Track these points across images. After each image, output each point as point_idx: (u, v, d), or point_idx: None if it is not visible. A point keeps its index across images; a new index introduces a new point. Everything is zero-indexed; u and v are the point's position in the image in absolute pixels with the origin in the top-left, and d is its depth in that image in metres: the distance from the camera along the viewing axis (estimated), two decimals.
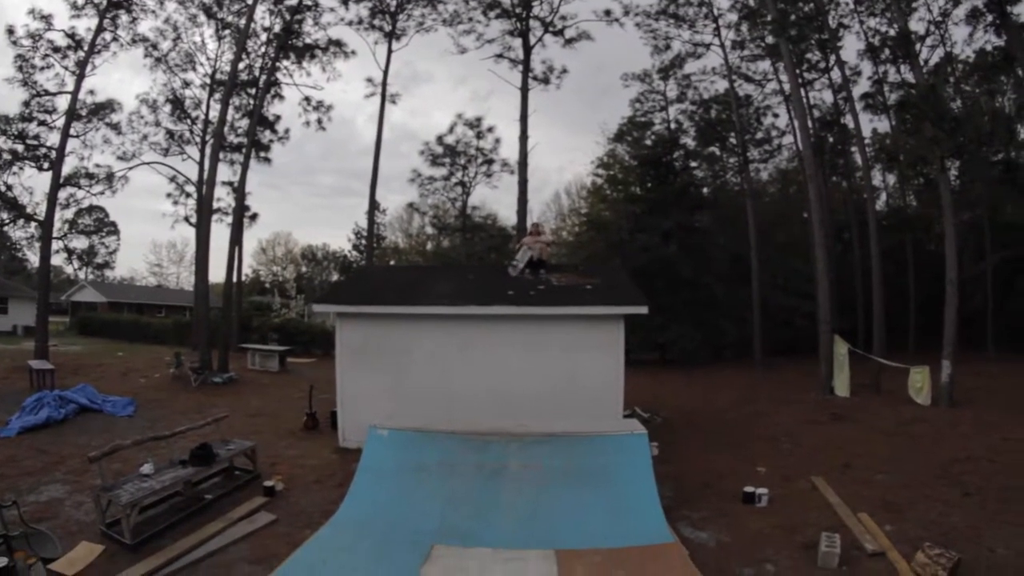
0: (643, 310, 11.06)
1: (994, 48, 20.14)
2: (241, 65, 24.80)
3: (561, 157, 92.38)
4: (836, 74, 27.60)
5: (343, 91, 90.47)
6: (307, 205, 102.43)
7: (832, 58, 26.51)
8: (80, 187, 24.25)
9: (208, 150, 25.35)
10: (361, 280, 15.50)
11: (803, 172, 22.22)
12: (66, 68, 22.25)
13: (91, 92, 24.18)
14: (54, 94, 22.44)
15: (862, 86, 26.99)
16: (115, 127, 25.15)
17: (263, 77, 25.58)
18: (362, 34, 28.50)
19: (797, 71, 23.02)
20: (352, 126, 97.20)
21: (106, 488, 6.94)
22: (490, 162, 33.32)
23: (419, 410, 10.20)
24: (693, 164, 33.40)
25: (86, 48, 22.13)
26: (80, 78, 22.10)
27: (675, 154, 31.59)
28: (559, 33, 28.03)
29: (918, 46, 20.83)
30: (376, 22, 28.06)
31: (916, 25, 22.60)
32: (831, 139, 29.29)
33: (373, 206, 29.68)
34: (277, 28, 25.25)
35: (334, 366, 11.66)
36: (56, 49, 22.09)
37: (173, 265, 69.12)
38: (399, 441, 8.12)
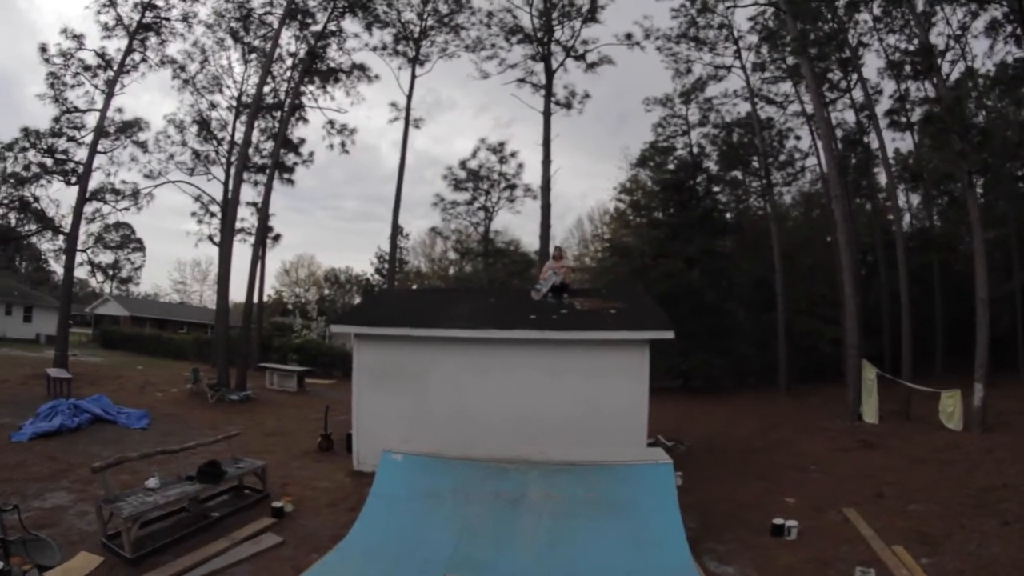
0: (669, 335, 10.64)
1: (1015, 60, 19.80)
2: (266, 88, 25.28)
3: (583, 183, 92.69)
4: (858, 93, 27.12)
5: (368, 117, 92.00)
6: (331, 228, 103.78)
7: (854, 77, 26.06)
8: (106, 202, 24.69)
9: (233, 171, 25.59)
10: (380, 302, 15.39)
11: (828, 193, 21.75)
12: (96, 87, 22.83)
13: (119, 110, 25.04)
14: (84, 111, 23.01)
15: (884, 104, 26.48)
16: (142, 145, 25.61)
17: (288, 100, 26.02)
18: (386, 59, 28.91)
19: (820, 89, 22.53)
20: (376, 152, 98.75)
21: (109, 500, 6.75)
22: (513, 187, 33.35)
23: (436, 435, 9.93)
24: (716, 188, 33.04)
25: (115, 68, 22.69)
26: (109, 97, 22.60)
27: (698, 179, 31.30)
28: (581, 58, 28.11)
29: (939, 60, 20.42)
30: (400, 48, 28.41)
31: (935, 39, 22.06)
32: (854, 160, 28.79)
33: (396, 230, 29.69)
34: (302, 53, 25.69)
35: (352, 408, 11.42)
36: (87, 68, 22.67)
37: (196, 283, 70.01)
38: (413, 466, 7.81)
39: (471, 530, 6.82)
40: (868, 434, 14.70)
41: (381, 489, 7.61)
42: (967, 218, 27.65)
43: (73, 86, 22.66)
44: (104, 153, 23.87)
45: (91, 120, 22.86)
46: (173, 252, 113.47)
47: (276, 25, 24.05)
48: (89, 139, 22.55)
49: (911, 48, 22.99)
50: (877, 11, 23.92)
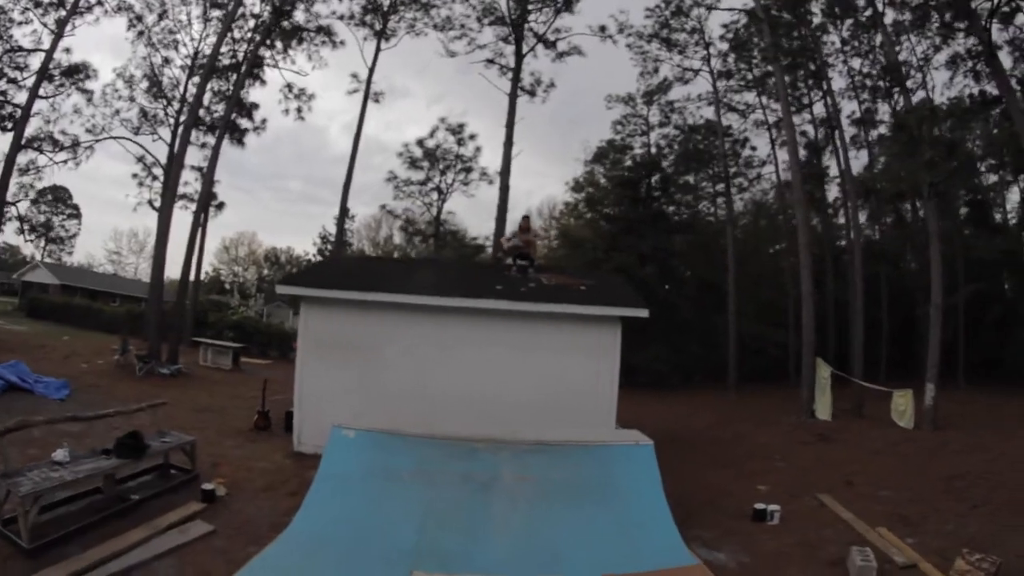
0: (643, 313, 10.11)
1: (973, 93, 20.30)
2: (224, 48, 23.38)
3: (531, 181, 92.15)
4: (819, 108, 27.74)
5: (321, 98, 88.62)
6: (275, 210, 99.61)
7: (817, 93, 26.51)
8: (43, 151, 22.49)
9: (180, 131, 23.55)
10: (332, 266, 14.09)
11: (785, 198, 21.96)
12: (45, 25, 20.70)
13: (67, 50, 22.37)
14: (29, 51, 20.88)
15: (843, 123, 27.12)
16: (88, 94, 23.38)
17: (247, 59, 24.15)
18: (352, 29, 27.25)
19: (788, 97, 22.59)
20: (325, 134, 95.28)
21: (6, 475, 5.48)
22: (468, 170, 32.04)
23: (391, 413, 8.78)
24: (672, 189, 32.95)
25: (68, 6, 20.56)
26: (58, 37, 20.49)
27: (654, 178, 31.06)
28: (552, 45, 27.27)
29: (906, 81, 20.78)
30: (367, 19, 26.94)
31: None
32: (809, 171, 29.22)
33: (345, 208, 27.95)
34: (266, 15, 23.97)
35: (291, 369, 10.25)
36: (37, 4, 20.53)
37: (133, 255, 65.52)
38: (368, 443, 6.79)
39: (437, 516, 5.88)
40: (823, 429, 14.74)
41: (330, 469, 6.56)
42: (912, 235, 29.05)
43: (20, 23, 20.56)
44: (46, 98, 21.73)
45: (35, 63, 20.76)
46: (109, 222, 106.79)
47: None
48: (31, 82, 20.35)
49: (874, 72, 23.63)
50: (846, 33, 24.39)
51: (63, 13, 20.56)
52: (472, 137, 31.97)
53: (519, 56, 26.80)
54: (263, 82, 25.85)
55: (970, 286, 23.37)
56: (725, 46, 28.81)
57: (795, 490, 9.14)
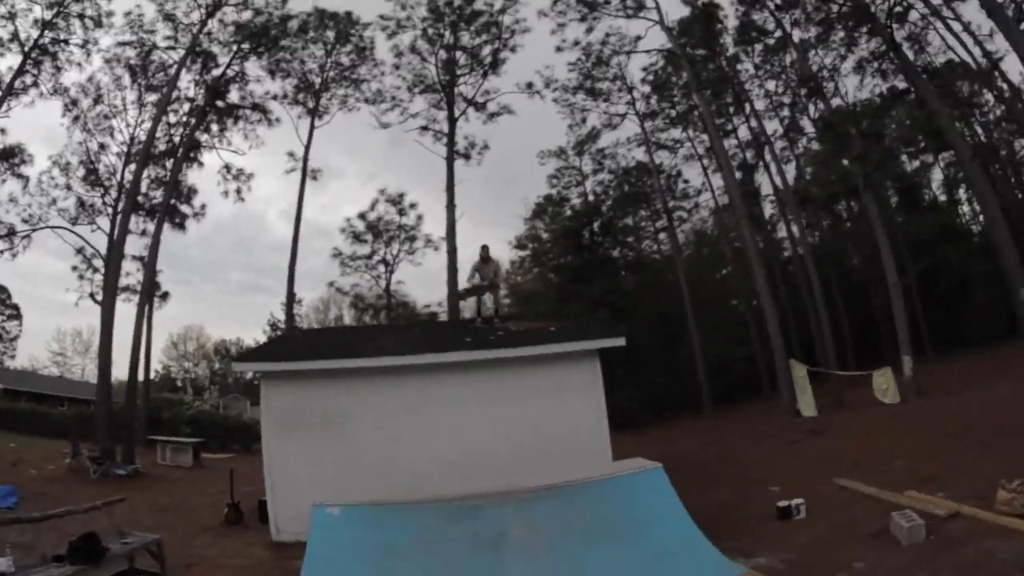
0: (620, 342, 9.82)
1: (883, 91, 21.69)
2: (160, 133, 22.85)
3: (471, 247, 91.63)
4: (743, 132, 28.91)
5: (257, 184, 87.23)
6: (219, 302, 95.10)
7: (739, 118, 27.67)
8: None
9: (119, 219, 22.45)
10: (289, 340, 13.23)
11: (724, 218, 22.51)
12: None
13: (2, 131, 21.54)
14: None
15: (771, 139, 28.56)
16: (23, 180, 22.22)
17: (184, 141, 23.54)
18: (286, 108, 27.02)
19: (715, 123, 23.44)
20: (263, 221, 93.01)
21: None
22: (412, 239, 31.51)
23: (372, 486, 8.04)
24: (615, 232, 33.40)
25: (3, 87, 19.80)
26: None
27: (594, 224, 31.43)
28: (482, 107, 27.57)
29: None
30: (300, 98, 26.79)
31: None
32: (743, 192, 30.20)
33: (292, 291, 26.50)
34: (200, 100, 23.63)
35: (256, 461, 9.32)
36: None
37: (78, 356, 60.57)
38: (356, 519, 6.06)
39: None
40: (812, 425, 14.57)
41: (317, 553, 5.74)
42: (851, 232, 30.17)
43: None
44: None
45: None
46: (51, 323, 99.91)
47: (176, 65, 22.12)
48: None
49: (790, 89, 24.93)
50: (758, 59, 25.73)
51: None
52: (412, 206, 31.57)
53: (452, 120, 26.96)
54: (201, 164, 25.20)
55: (917, 264, 24.00)
56: (647, 88, 29.93)
57: (807, 483, 8.83)
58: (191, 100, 24.06)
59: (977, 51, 20.58)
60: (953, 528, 5.75)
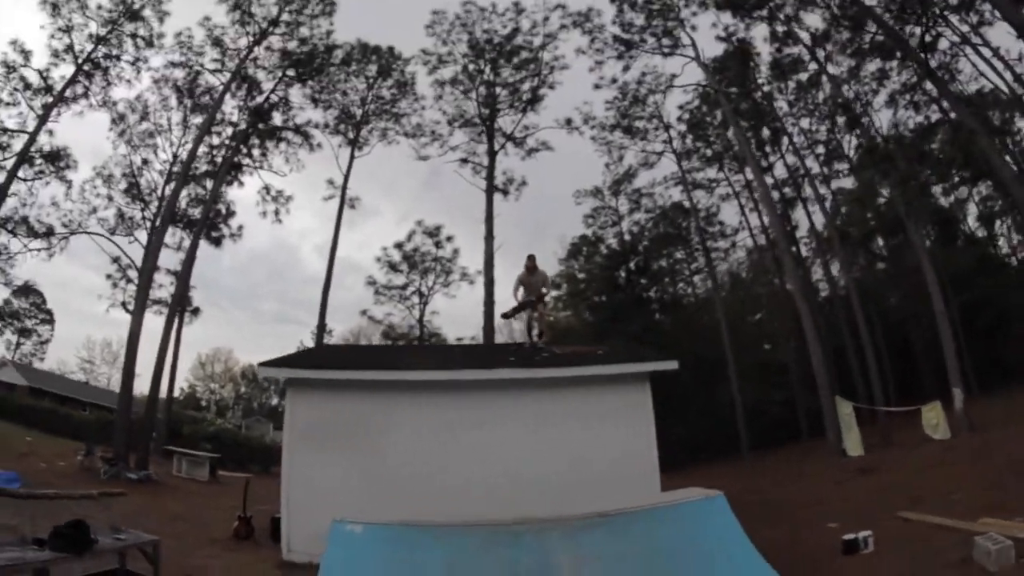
0: (672, 365, 9.13)
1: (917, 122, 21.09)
2: (203, 151, 23.17)
3: (502, 288, 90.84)
4: (779, 170, 28.19)
5: (293, 216, 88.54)
6: (250, 330, 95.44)
7: (775, 155, 27.03)
8: (16, 235, 21.31)
9: (156, 226, 22.53)
10: (322, 350, 12.60)
11: (762, 256, 21.84)
12: (31, 107, 20.47)
13: (50, 133, 21.75)
14: (13, 131, 20.30)
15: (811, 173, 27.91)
16: (67, 184, 22.46)
17: (225, 162, 23.72)
18: (327, 137, 27.24)
19: (754, 154, 22.89)
20: (297, 254, 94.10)
21: None
22: (448, 272, 31.07)
23: (397, 509, 7.28)
24: (652, 271, 32.66)
25: (56, 93, 20.47)
26: (43, 121, 20.24)
27: (631, 264, 30.93)
28: (521, 143, 27.34)
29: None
30: (341, 128, 26.99)
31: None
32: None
33: (324, 310, 25.98)
34: (243, 124, 24.01)
35: (274, 483, 8.73)
36: (27, 86, 20.41)
37: (106, 365, 60.49)
38: (381, 539, 5.25)
39: None
40: (860, 464, 13.68)
41: (333, 572, 4.93)
42: (884, 270, 29.00)
43: (8, 104, 20.27)
44: (24, 181, 20.91)
45: (17, 145, 20.25)
46: (83, 332, 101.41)
47: (222, 88, 22.47)
48: (11, 163, 19.65)
49: (823, 128, 24.40)
50: (791, 96, 25.15)
51: (50, 99, 20.51)
52: (449, 239, 31.19)
53: (492, 153, 26.80)
54: (241, 184, 25.45)
55: (957, 298, 23.04)
56: (683, 127, 29.47)
57: (867, 519, 7.97)
58: (234, 125, 24.43)
59: (1009, 75, 19.80)
60: None
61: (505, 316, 10.89)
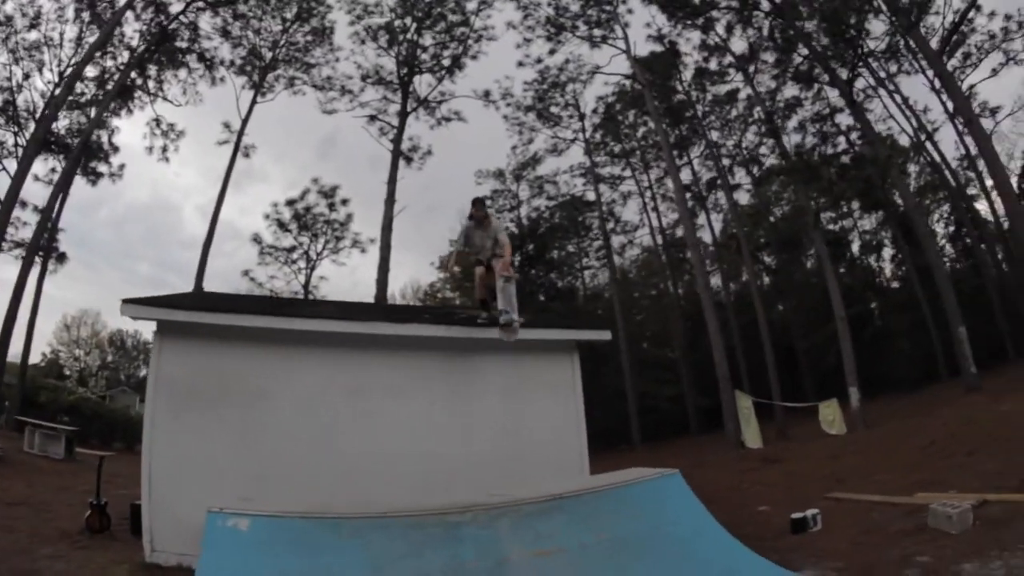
0: (606, 335, 8.45)
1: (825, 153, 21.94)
2: (93, 72, 19.51)
3: (403, 253, 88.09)
4: (686, 176, 28.67)
5: (176, 174, 79.80)
6: (121, 292, 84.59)
7: (686, 158, 27.45)
8: None
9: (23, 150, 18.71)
10: (200, 296, 10.41)
11: (687, 238, 21.99)
12: None
13: None
14: None
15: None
16: None
17: (116, 84, 20.37)
18: (231, 75, 24.19)
19: (672, 151, 22.97)
20: (180, 213, 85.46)
21: None
22: (339, 237, 28.43)
23: (292, 491, 5.80)
24: (548, 258, 32.21)
25: None
26: None
27: (528, 248, 30.20)
28: (434, 110, 25.82)
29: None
30: (248, 68, 24.11)
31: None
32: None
33: (204, 266, 23.16)
34: (142, 48, 20.72)
35: (139, 462, 6.44)
36: None
37: None
38: (277, 540, 3.73)
39: None
40: (762, 455, 13.80)
41: None
42: (773, 281, 30.53)
43: None
44: None
45: None
46: None
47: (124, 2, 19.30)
48: None
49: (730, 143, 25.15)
50: (707, 107, 25.75)
51: None
52: (344, 202, 28.41)
53: (403, 115, 25.00)
54: (130, 111, 22.09)
55: (850, 310, 24.38)
56: (598, 119, 29.49)
57: (798, 501, 7.78)
58: (132, 49, 21.06)
59: (914, 120, 21.65)
60: (991, 512, 5.57)
61: (446, 267, 9.26)
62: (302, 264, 28.10)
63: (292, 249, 27.88)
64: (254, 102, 24.11)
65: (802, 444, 14.18)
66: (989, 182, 21.92)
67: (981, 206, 25.90)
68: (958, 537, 5.26)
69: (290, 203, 27.71)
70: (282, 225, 27.66)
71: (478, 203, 7.11)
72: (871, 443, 11.74)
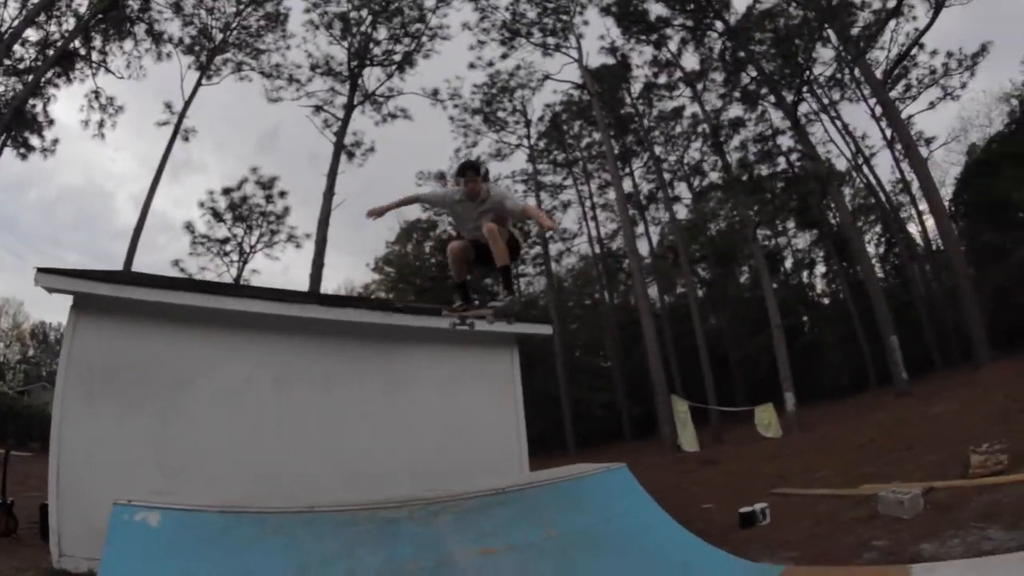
0: (547, 330, 8.38)
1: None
2: (35, 35, 18.07)
3: (339, 249, 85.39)
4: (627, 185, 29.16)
5: (111, 159, 74.34)
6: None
7: (628, 170, 27.94)
8: None
9: None
10: (122, 273, 9.55)
11: (626, 244, 22.44)
12: None
13: None
14: None
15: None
16: None
17: (57, 50, 18.94)
18: (179, 53, 22.74)
19: (616, 162, 23.31)
20: (112, 201, 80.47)
21: None
22: (275, 231, 26.97)
23: (207, 488, 5.34)
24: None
25: None
26: None
27: None
28: (381, 106, 25.11)
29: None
30: (196, 48, 22.78)
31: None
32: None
33: (134, 252, 21.39)
34: (88, 15, 19.23)
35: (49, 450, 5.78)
36: None
37: None
38: (192, 536, 3.28)
39: None
40: (699, 457, 13.91)
41: None
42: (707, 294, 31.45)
43: None
44: None
45: None
46: None
47: None
48: None
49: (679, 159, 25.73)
50: (652, 122, 26.32)
51: None
52: (283, 194, 26.95)
53: (349, 107, 24.17)
54: (69, 79, 20.41)
55: (783, 321, 25.33)
56: (544, 127, 29.47)
57: (742, 498, 7.64)
58: (79, 17, 19.47)
59: (853, 145, 22.95)
60: (939, 497, 5.67)
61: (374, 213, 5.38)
62: (235, 257, 26.54)
63: (226, 240, 26.29)
64: (199, 84, 22.81)
65: (739, 447, 14.35)
66: (922, 205, 23.31)
67: (913, 228, 27.64)
68: (911, 521, 5.32)
69: (227, 192, 26.12)
70: (217, 215, 26.04)
71: (469, 170, 4.86)
72: (809, 444, 11.97)
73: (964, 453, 6.41)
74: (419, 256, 31.72)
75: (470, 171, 4.89)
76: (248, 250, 26.63)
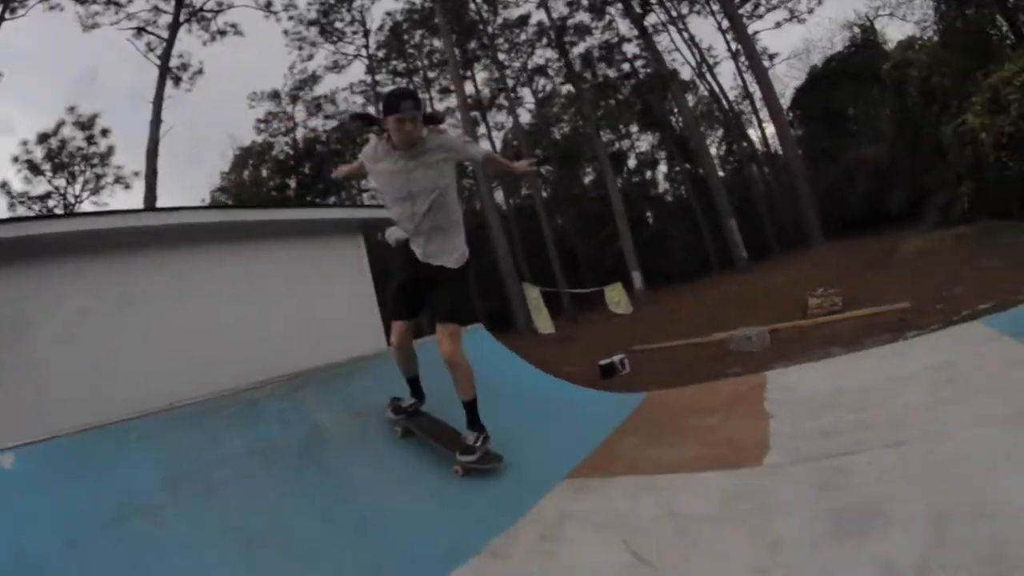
0: (388, 213, 8.06)
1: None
2: None
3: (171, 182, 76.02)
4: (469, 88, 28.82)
5: None
6: None
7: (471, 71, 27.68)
8: None
9: None
10: None
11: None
12: None
13: None
14: None
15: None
16: None
17: None
18: None
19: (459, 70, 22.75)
20: None
21: None
22: (100, 176, 24.26)
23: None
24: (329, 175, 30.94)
25: None
26: None
27: (304, 170, 28.97)
28: (209, 23, 22.19)
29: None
30: None
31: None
32: None
33: None
34: None
35: None
36: None
37: None
38: (51, 469, 3.02)
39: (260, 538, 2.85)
40: (556, 337, 14.50)
41: None
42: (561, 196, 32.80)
43: None
44: None
45: None
46: None
47: None
48: None
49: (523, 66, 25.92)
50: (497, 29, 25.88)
51: None
52: (105, 133, 23.92)
53: (175, 26, 21.35)
54: None
55: (628, 215, 27.22)
56: (383, 36, 27.90)
57: (599, 357, 8.19)
58: None
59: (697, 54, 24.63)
60: (783, 335, 6.19)
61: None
62: (60, 211, 23.31)
63: (47, 196, 23.36)
64: (2, 19, 18.50)
65: (593, 325, 15.35)
66: (763, 114, 25.48)
67: (753, 134, 30.22)
68: (760, 354, 5.92)
69: (43, 139, 22.74)
70: (34, 167, 22.76)
71: (405, 100, 3.05)
72: (658, 314, 12.97)
73: (803, 304, 7.38)
74: (256, 181, 29.85)
75: (407, 102, 3.03)
76: (73, 202, 23.90)
